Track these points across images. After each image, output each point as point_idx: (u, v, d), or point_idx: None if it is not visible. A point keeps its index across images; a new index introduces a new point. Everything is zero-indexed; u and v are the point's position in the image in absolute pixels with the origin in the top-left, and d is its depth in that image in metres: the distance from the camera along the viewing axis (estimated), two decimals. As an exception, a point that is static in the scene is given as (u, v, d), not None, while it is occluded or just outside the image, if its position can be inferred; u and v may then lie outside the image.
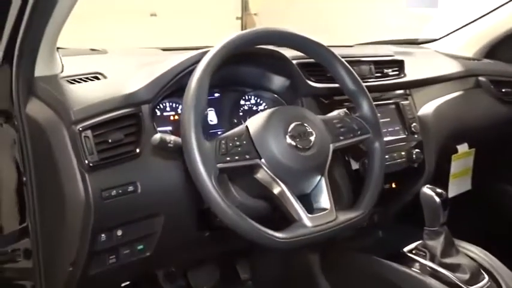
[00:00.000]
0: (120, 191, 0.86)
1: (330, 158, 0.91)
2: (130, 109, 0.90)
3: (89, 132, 0.83)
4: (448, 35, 1.83)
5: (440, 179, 1.40)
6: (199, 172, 0.77)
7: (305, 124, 0.89)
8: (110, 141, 0.86)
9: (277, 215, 0.89)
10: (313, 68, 1.16)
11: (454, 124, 1.43)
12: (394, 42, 1.83)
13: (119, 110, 0.89)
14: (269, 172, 0.85)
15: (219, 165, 0.80)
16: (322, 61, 0.99)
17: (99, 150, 0.84)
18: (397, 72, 1.36)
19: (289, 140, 0.87)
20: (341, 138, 0.94)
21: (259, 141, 0.85)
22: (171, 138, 0.84)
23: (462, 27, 1.79)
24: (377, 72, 1.30)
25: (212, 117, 1.12)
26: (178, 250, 1.04)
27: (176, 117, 1.05)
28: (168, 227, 0.95)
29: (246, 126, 0.88)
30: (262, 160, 0.85)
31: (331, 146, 0.92)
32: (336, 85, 1.05)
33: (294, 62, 1.12)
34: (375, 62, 1.31)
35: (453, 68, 1.57)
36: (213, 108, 1.12)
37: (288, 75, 1.13)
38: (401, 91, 1.36)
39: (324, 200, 0.89)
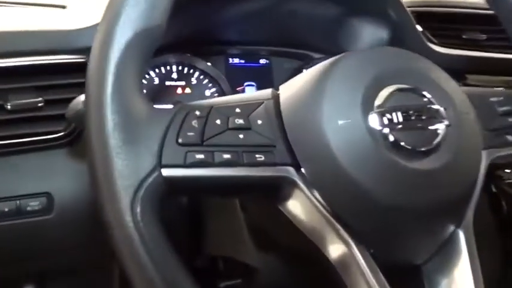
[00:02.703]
0: (15, 208, 0.44)
1: (481, 181, 0.39)
2: (68, 56, 0.49)
3: None
4: None
5: None
6: (106, 183, 0.31)
7: (424, 92, 0.38)
8: (8, 107, 0.45)
9: None
10: (439, 24, 0.66)
11: None
12: None
13: (43, 56, 0.48)
14: (319, 203, 0.35)
15: (168, 173, 0.32)
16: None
17: None
18: None
19: (376, 126, 0.36)
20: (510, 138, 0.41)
21: (301, 125, 0.37)
22: None
23: None
24: None
25: (253, 96, 0.66)
26: None
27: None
28: None
29: (276, 94, 0.39)
30: (303, 170, 0.36)
31: (486, 155, 0.40)
32: (483, 54, 0.55)
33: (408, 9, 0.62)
34: None
35: None
36: (254, 84, 0.68)
37: (392, 31, 0.62)
38: None
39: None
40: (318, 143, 0.35)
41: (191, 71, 0.65)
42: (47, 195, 0.45)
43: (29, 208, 0.44)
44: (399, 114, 0.35)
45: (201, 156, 0.33)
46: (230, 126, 0.35)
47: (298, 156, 0.36)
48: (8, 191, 0.44)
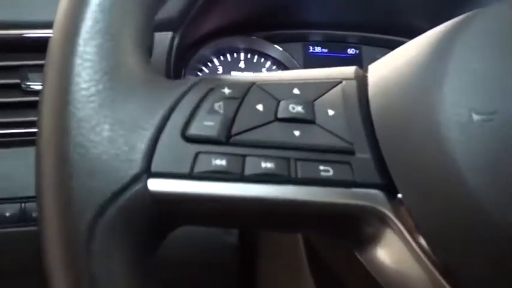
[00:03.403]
0: (19, 213, 0.35)
1: None
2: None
3: None
4: None
5: None
6: (52, 192, 0.18)
7: None
8: (30, 88, 0.37)
9: None
10: None
11: None
12: None
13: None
14: (424, 254, 0.20)
15: (160, 186, 0.19)
16: None
17: None
18: None
19: None
20: None
21: (403, 120, 0.21)
22: None
23: None
24: None
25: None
26: None
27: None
28: None
29: (363, 75, 0.24)
30: (399, 197, 0.21)
31: None
32: None
33: None
34: None
35: None
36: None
37: None
38: None
39: None
40: (431, 151, 0.20)
41: (262, 59, 0.54)
42: None
43: (35, 214, 0.35)
44: None
45: (222, 162, 0.20)
46: (280, 115, 0.21)
47: (394, 173, 0.21)
48: (12, 190, 0.35)
